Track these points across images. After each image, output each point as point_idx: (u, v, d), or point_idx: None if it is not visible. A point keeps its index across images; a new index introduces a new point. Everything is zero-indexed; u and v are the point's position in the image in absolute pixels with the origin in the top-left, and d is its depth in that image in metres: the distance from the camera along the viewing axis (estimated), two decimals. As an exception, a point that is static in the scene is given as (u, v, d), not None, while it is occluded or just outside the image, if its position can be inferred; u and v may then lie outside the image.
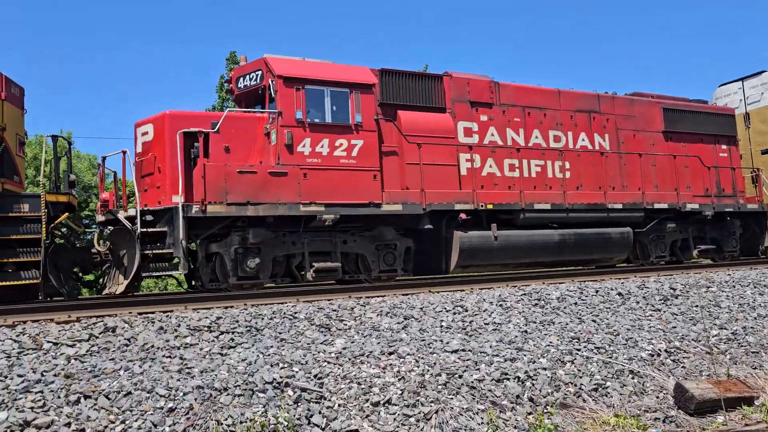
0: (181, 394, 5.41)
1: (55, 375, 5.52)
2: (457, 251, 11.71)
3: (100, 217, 10.14)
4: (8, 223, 8.80)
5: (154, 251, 9.57)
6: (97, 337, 6.42)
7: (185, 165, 9.90)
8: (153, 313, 7.45)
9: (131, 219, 9.55)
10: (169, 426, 5.07)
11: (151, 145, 10.31)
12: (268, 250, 10.37)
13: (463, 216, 11.83)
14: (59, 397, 5.18)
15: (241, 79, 11.21)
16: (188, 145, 10.10)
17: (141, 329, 6.69)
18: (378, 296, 9.07)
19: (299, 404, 5.57)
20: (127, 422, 5.03)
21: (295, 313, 7.68)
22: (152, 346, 6.31)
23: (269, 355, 6.35)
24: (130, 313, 7.43)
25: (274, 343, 6.68)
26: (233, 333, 6.86)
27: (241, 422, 5.20)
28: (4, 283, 8.56)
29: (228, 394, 5.52)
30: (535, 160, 13.29)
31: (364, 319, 7.72)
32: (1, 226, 8.72)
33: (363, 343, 6.90)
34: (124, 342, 6.36)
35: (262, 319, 7.35)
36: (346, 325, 7.48)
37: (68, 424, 4.90)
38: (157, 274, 9.56)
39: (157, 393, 5.38)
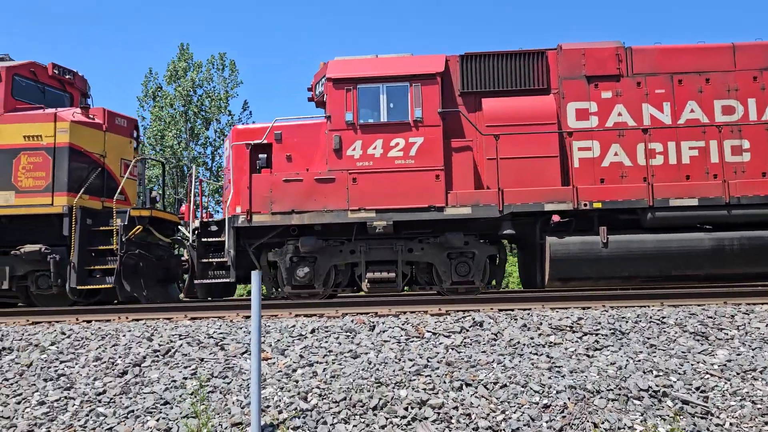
0: (554, 392, 5.57)
1: (438, 362, 6.16)
2: (548, 261, 9.65)
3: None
4: (103, 235, 10.36)
5: (214, 259, 10.18)
6: (467, 330, 7.04)
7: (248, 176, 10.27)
8: (513, 310, 7.95)
9: (196, 230, 10.33)
10: (546, 422, 5.22)
11: (228, 159, 10.98)
12: (323, 259, 10.08)
13: (555, 218, 9.69)
14: (444, 383, 5.74)
15: (317, 84, 11.11)
16: (254, 157, 10.45)
17: (505, 325, 7.15)
18: (763, 303, 8.18)
19: (681, 417, 5.34)
20: (506, 413, 5.33)
21: (663, 317, 7.41)
22: (518, 342, 6.64)
23: (640, 360, 6.22)
24: (492, 308, 8.00)
25: (643, 349, 6.52)
26: (596, 335, 6.87)
27: (618, 428, 5.14)
28: (89, 287, 10.12)
29: (601, 398, 5.51)
30: (689, 141, 10.13)
31: (749, 329, 7.08)
32: (95, 237, 10.32)
33: (753, 357, 6.32)
34: (491, 336, 6.84)
35: (626, 322, 7.26)
36: (726, 334, 6.95)
37: (456, 408, 5.41)
38: (208, 281, 10.10)
39: (531, 388, 5.63)
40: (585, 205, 9.74)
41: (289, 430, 5.12)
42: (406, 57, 10.49)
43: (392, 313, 7.82)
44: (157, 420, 5.39)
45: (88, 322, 8.11)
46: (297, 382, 5.80)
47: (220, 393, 5.60)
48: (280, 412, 5.32)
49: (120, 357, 6.63)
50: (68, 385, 6.14)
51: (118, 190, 10.53)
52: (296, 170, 10.13)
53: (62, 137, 10.22)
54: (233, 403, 5.51)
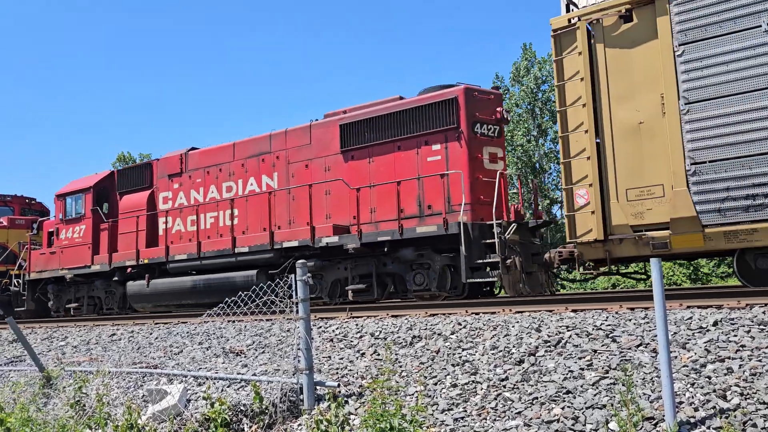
0: None
1: None
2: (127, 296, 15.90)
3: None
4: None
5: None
6: None
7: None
8: None
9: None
10: None
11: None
12: (63, 295, 17.99)
13: (129, 270, 15.85)
14: None
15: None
16: (50, 238, 18.91)
17: None
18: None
19: None
20: None
21: None
22: None
23: None
24: None
25: None
26: None
27: None
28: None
29: None
30: (210, 213, 15.18)
31: None
32: (-3, 286, 20.07)
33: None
34: None
35: None
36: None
37: None
38: (21, 308, 18.77)
39: None
40: (142, 261, 15.69)
41: (710, 429, 4.67)
42: (97, 174, 17.75)
43: (740, 306, 7.04)
44: (563, 408, 5.32)
45: (477, 314, 8.59)
46: (709, 378, 5.35)
47: (623, 385, 5.12)
48: (695, 410, 4.90)
49: (514, 346, 6.81)
50: (473, 370, 6.47)
51: (2, 257, 20.09)
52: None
53: (-20, 236, 20.33)
54: (639, 396, 5.18)
